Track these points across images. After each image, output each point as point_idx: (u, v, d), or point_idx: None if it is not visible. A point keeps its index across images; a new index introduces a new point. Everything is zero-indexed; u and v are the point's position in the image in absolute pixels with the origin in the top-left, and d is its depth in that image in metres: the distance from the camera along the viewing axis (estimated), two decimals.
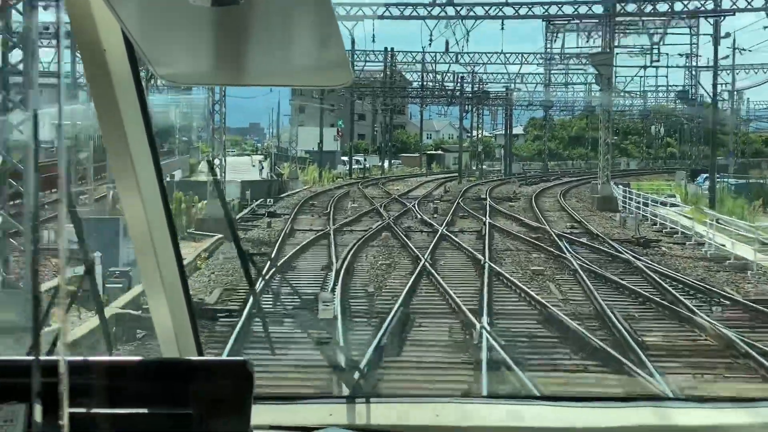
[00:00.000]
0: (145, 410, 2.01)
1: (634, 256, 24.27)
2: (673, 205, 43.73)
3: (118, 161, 2.32)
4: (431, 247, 25.45)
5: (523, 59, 56.16)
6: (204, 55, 2.18)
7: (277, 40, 1.99)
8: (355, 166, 73.23)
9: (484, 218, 34.22)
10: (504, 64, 56.45)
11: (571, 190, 57.24)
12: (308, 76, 2.50)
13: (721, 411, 2.79)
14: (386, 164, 78.93)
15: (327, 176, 66.53)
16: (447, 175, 69.97)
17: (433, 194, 50.70)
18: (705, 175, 63.21)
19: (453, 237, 28.05)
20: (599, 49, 46.07)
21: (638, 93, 69.92)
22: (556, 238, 27.72)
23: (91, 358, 2.10)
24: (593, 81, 55.91)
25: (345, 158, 76.55)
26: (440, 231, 29.30)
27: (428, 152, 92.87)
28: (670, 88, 74.72)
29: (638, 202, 40.49)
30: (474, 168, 75.38)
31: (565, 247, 25.57)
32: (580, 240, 28.17)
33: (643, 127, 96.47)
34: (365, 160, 75.51)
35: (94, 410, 1.98)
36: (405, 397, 2.97)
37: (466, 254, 24.68)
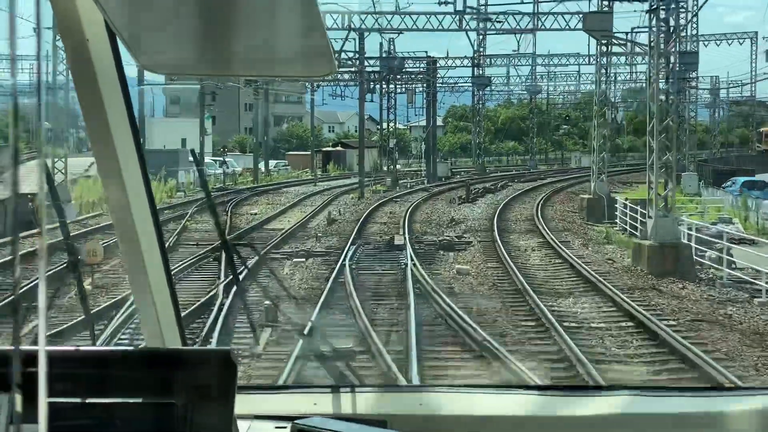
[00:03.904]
0: (128, 400, 2.01)
1: None
2: (744, 240, 25.18)
3: (101, 151, 2.34)
4: None
5: None
6: (187, 45, 2.25)
7: (260, 30, 2.03)
8: (215, 171, 50.54)
9: (407, 365, 10.72)
10: None
11: (547, 210, 34.30)
12: (291, 66, 2.54)
13: (685, 399, 2.76)
14: (263, 166, 56.11)
15: (161, 189, 43.31)
16: (346, 182, 48.03)
17: (305, 229, 27.20)
18: (742, 179, 41.25)
19: None
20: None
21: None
22: None
23: (73, 348, 2.12)
24: (580, 25, 33.19)
25: (212, 159, 54.09)
26: None
27: (324, 149, 70.19)
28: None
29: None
30: (385, 169, 52.69)
31: None
32: None
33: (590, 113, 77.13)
34: (224, 162, 51.75)
35: (76, 400, 1.98)
36: (390, 386, 3.06)
37: None
